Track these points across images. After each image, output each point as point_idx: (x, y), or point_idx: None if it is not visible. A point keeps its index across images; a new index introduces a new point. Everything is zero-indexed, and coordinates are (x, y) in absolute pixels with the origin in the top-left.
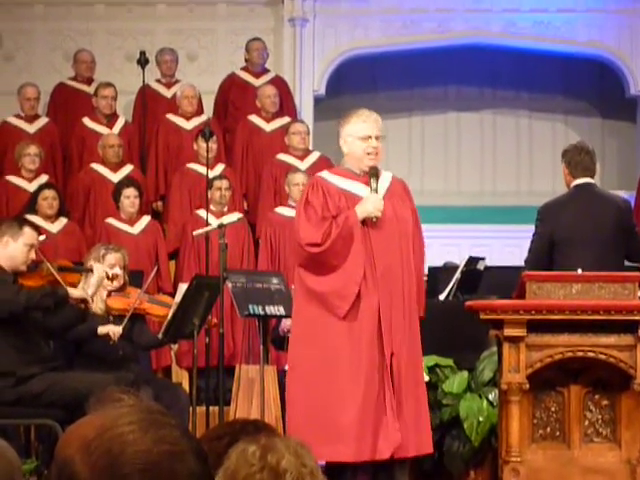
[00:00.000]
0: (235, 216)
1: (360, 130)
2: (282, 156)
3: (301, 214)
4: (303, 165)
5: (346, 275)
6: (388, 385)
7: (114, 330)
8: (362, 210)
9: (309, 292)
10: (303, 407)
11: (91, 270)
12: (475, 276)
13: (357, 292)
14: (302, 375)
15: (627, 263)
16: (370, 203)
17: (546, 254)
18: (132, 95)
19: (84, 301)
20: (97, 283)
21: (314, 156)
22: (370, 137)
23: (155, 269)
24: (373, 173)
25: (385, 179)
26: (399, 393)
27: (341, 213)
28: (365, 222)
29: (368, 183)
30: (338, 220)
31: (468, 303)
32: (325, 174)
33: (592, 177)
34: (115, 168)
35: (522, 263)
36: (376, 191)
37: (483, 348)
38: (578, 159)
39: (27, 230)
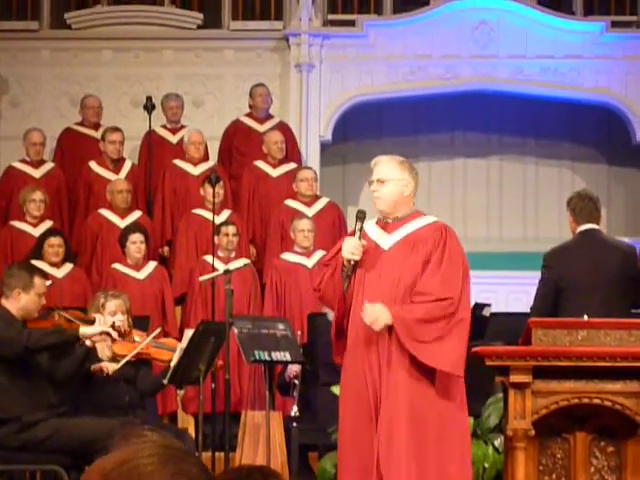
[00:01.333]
0: (242, 262)
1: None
2: (290, 202)
3: None
4: (311, 211)
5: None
6: (377, 438)
7: (107, 365)
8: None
9: None
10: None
11: (92, 320)
12: (481, 322)
13: (338, 338)
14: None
15: (634, 310)
16: (343, 246)
17: (551, 300)
18: (138, 140)
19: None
20: (94, 332)
21: (322, 202)
22: (373, 181)
23: (158, 330)
24: (358, 217)
25: (412, 225)
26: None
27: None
28: (360, 266)
29: (385, 228)
30: (334, 266)
31: (474, 349)
32: (369, 221)
33: (597, 223)
34: (123, 214)
35: (528, 309)
36: (359, 235)
37: (489, 394)
38: (582, 205)
39: (37, 280)
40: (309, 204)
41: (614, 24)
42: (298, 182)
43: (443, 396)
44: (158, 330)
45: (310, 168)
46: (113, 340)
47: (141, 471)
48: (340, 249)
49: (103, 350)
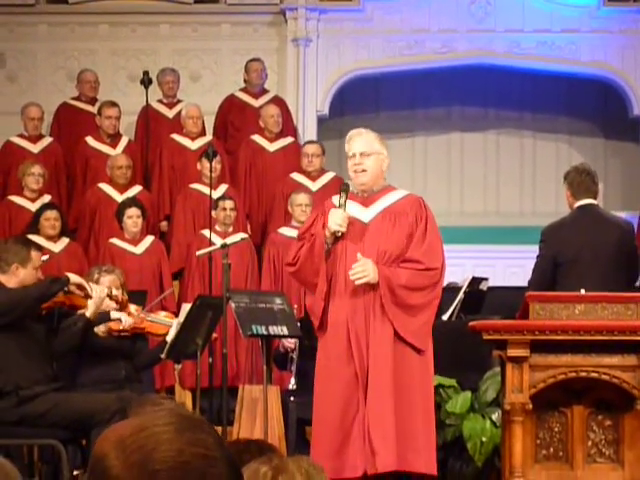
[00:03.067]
0: (239, 236)
1: (348, 149)
2: (295, 176)
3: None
4: (315, 186)
5: (316, 292)
6: (361, 401)
7: (124, 319)
8: (327, 226)
9: None
10: (312, 428)
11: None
12: (478, 296)
13: (321, 309)
14: (315, 396)
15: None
16: (330, 217)
17: (549, 275)
18: (135, 115)
19: (81, 287)
20: (96, 304)
21: (327, 177)
22: (355, 155)
23: (169, 290)
24: (343, 189)
25: (390, 198)
26: (380, 408)
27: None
28: (342, 238)
29: (363, 202)
30: (310, 239)
31: (471, 323)
32: (337, 196)
33: (594, 198)
34: (122, 189)
35: (525, 283)
36: (344, 207)
37: (486, 368)
38: (579, 180)
39: (34, 254)
40: (314, 178)
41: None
42: (302, 156)
43: (421, 362)
44: (171, 289)
45: (314, 142)
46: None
47: (158, 438)
48: (313, 222)
49: (98, 327)
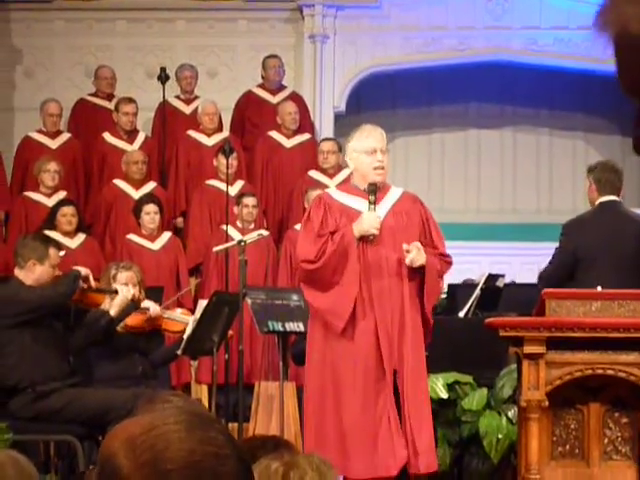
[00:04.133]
0: (256, 233)
1: (366, 144)
2: (313, 173)
3: (302, 230)
4: (332, 182)
5: (341, 293)
6: (391, 403)
7: (151, 307)
8: (358, 228)
9: (311, 308)
10: (314, 425)
11: (116, 292)
12: (495, 293)
13: (351, 310)
14: (312, 393)
15: None
16: (366, 221)
17: (567, 270)
18: (152, 111)
19: (86, 279)
20: (121, 304)
21: (344, 173)
22: (376, 151)
23: (187, 288)
24: (372, 189)
25: (393, 195)
26: (405, 410)
27: (339, 230)
28: (363, 239)
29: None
30: (335, 237)
31: (488, 320)
32: (331, 190)
33: (618, 195)
34: (137, 185)
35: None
36: (374, 208)
37: (502, 365)
38: (607, 177)
39: (52, 251)
40: (331, 175)
41: None
42: (318, 153)
43: (422, 359)
44: (188, 287)
45: (331, 139)
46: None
47: (168, 437)
48: (323, 219)
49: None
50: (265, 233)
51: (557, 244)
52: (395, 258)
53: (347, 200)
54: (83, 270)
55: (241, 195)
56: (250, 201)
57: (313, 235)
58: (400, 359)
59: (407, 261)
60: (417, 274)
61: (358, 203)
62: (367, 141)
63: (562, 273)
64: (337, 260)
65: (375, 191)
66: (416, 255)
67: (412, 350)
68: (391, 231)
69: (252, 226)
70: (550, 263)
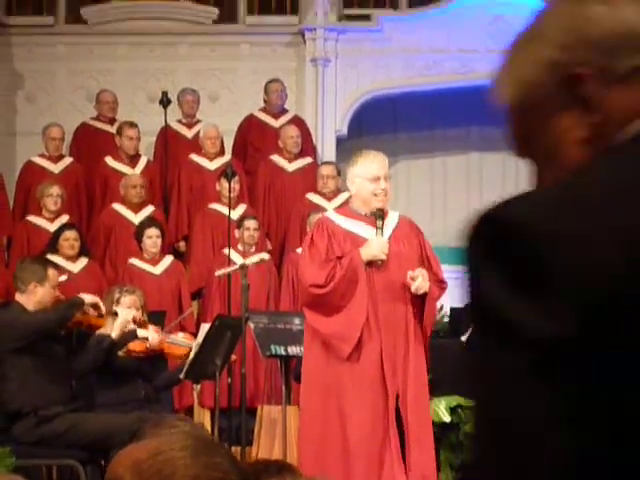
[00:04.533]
0: (258, 256)
1: (369, 171)
2: (311, 196)
3: (305, 254)
4: (331, 206)
5: (349, 317)
6: (393, 428)
7: (151, 337)
8: (367, 253)
9: (314, 332)
10: (314, 448)
11: (116, 314)
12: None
13: (359, 335)
14: (311, 417)
15: None
16: (375, 246)
17: None
18: (154, 135)
19: (96, 306)
20: (122, 326)
21: (342, 197)
22: (379, 178)
23: (188, 311)
24: (379, 215)
25: (392, 220)
26: (407, 435)
27: (346, 255)
28: (369, 264)
29: (374, 224)
30: (342, 262)
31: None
32: (331, 214)
33: None
34: (136, 209)
35: None
36: (382, 233)
37: None
38: None
39: (51, 272)
40: (330, 199)
41: None
42: (318, 177)
43: (424, 384)
44: (190, 310)
45: (330, 163)
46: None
47: (175, 463)
48: (328, 245)
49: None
50: (266, 257)
51: None
52: (400, 283)
53: (349, 225)
54: (88, 298)
55: (242, 218)
56: (251, 224)
57: (319, 260)
58: (404, 383)
59: (413, 288)
60: (417, 299)
61: (361, 228)
62: (370, 167)
63: None
64: (346, 285)
65: (382, 217)
66: (421, 282)
67: (415, 374)
68: (396, 256)
69: (253, 249)
70: None
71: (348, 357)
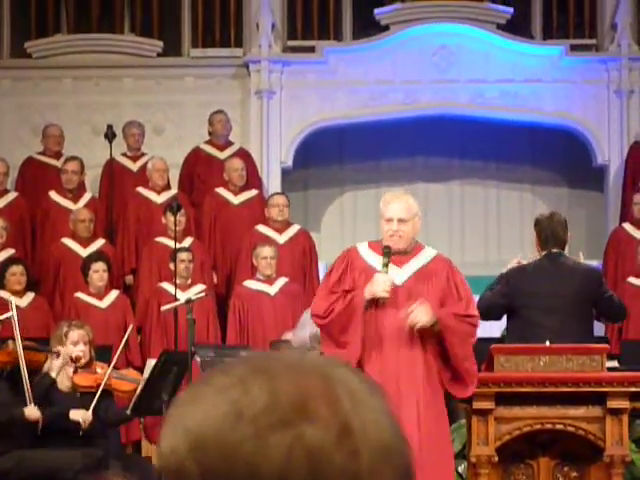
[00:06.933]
0: (198, 288)
1: (385, 212)
2: (261, 228)
3: (322, 282)
4: (282, 238)
5: (348, 355)
6: None
7: (85, 417)
8: (369, 290)
9: None
10: None
11: (57, 353)
12: None
13: None
14: None
15: (596, 333)
16: (377, 284)
17: (497, 311)
18: (99, 168)
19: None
20: (60, 366)
21: (294, 229)
22: (392, 220)
23: (123, 342)
24: (386, 252)
25: (422, 258)
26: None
27: (356, 289)
28: (375, 303)
29: (395, 262)
30: (347, 297)
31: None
32: (361, 246)
33: (562, 248)
34: (85, 243)
35: (490, 334)
36: (387, 270)
37: (452, 420)
38: (548, 232)
39: None
40: (280, 230)
41: (573, 48)
42: (270, 208)
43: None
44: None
45: (282, 194)
46: (75, 369)
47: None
48: (341, 276)
49: (62, 381)
50: (203, 288)
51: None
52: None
53: (371, 259)
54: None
55: (177, 250)
56: (184, 256)
57: (327, 290)
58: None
59: (407, 322)
60: (434, 342)
61: (378, 264)
62: (386, 209)
63: (493, 312)
64: (344, 320)
65: (389, 254)
66: (415, 315)
67: (429, 416)
68: (409, 296)
69: (189, 281)
70: (483, 298)
71: None
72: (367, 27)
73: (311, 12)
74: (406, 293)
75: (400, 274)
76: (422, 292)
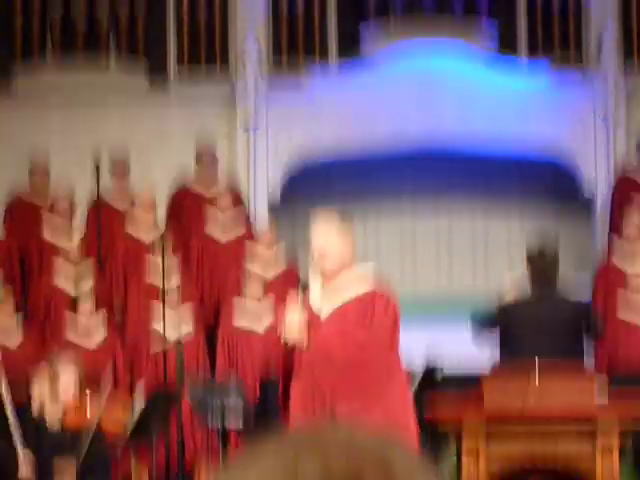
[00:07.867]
0: (188, 328)
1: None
2: (249, 265)
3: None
4: (270, 273)
5: None
6: None
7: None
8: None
9: None
10: None
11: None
12: (433, 385)
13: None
14: None
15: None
16: (286, 328)
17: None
18: (86, 207)
19: None
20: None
21: (282, 265)
22: (315, 248)
23: (109, 388)
24: (301, 287)
25: (351, 290)
26: None
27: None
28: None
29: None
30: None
31: (427, 416)
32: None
33: (552, 283)
34: (75, 282)
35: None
36: (299, 308)
37: (443, 459)
38: (539, 272)
39: None
40: (268, 266)
41: (560, 80)
42: (257, 245)
43: None
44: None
45: (270, 231)
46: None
47: None
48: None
49: (52, 420)
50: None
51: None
52: (323, 361)
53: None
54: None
55: (164, 291)
56: (173, 295)
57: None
58: None
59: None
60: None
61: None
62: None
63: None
64: None
65: (304, 289)
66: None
67: None
68: (324, 333)
69: (178, 319)
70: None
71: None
72: (354, 64)
73: (296, 39)
74: (323, 330)
75: (326, 306)
76: (335, 330)
